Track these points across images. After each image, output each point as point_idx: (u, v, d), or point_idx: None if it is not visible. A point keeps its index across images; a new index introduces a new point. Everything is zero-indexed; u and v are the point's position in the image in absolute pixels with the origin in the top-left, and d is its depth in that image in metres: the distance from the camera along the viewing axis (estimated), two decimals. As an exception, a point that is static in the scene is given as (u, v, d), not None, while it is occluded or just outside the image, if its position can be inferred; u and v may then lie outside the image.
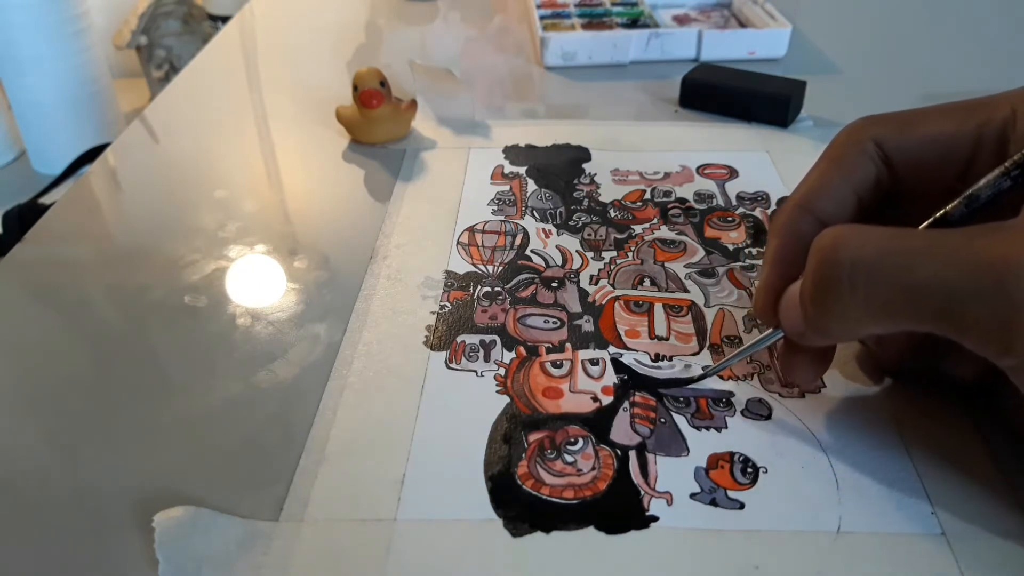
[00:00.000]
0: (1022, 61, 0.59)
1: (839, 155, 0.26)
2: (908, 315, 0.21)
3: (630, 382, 0.30)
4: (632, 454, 0.27)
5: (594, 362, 0.31)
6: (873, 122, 0.26)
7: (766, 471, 0.26)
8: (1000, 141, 0.24)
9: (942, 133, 0.25)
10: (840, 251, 0.22)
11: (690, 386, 0.29)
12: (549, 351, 0.31)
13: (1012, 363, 0.21)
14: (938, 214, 0.24)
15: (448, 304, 0.34)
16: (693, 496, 0.25)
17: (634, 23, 0.63)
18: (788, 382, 0.29)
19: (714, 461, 0.26)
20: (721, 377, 0.30)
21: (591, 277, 0.36)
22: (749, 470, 0.26)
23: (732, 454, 0.27)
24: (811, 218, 0.26)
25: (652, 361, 0.31)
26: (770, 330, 0.27)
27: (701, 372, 0.30)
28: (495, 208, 0.41)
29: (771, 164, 0.44)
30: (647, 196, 0.42)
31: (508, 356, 0.31)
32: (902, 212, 0.26)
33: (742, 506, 0.25)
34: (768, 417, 0.28)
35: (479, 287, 0.35)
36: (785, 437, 0.27)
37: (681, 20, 0.66)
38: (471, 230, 0.39)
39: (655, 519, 0.25)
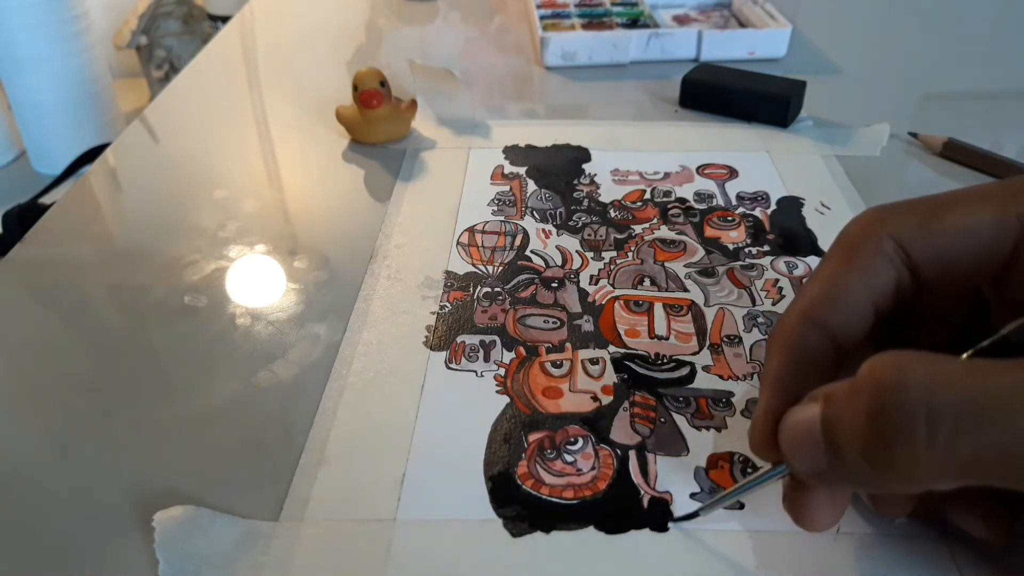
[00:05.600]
0: (1022, 61, 0.59)
1: (853, 254, 0.22)
2: (1002, 473, 0.17)
3: (630, 381, 0.30)
4: (632, 454, 0.27)
5: (594, 362, 0.31)
6: (890, 212, 0.22)
7: (766, 471, 0.26)
8: None
9: (975, 224, 0.21)
10: (909, 391, 0.17)
11: (679, 521, 0.25)
12: (549, 351, 0.31)
13: None
14: (992, 339, 0.19)
15: (448, 304, 0.34)
16: (693, 496, 0.25)
17: (634, 23, 0.63)
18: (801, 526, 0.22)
19: (714, 461, 0.26)
20: (721, 376, 0.30)
21: (591, 277, 0.36)
22: (749, 470, 0.26)
23: (732, 454, 0.27)
24: (820, 332, 0.22)
25: (652, 361, 0.31)
26: (770, 466, 0.22)
27: (696, 509, 0.24)
28: (495, 208, 0.41)
29: (771, 164, 0.44)
30: (647, 196, 0.42)
31: (508, 356, 0.31)
32: (924, 328, 0.22)
33: (742, 506, 0.25)
34: (768, 417, 0.28)
35: (479, 287, 0.35)
36: (785, 437, 0.27)
37: (681, 20, 0.66)
38: (471, 230, 0.39)
39: (655, 519, 0.24)
